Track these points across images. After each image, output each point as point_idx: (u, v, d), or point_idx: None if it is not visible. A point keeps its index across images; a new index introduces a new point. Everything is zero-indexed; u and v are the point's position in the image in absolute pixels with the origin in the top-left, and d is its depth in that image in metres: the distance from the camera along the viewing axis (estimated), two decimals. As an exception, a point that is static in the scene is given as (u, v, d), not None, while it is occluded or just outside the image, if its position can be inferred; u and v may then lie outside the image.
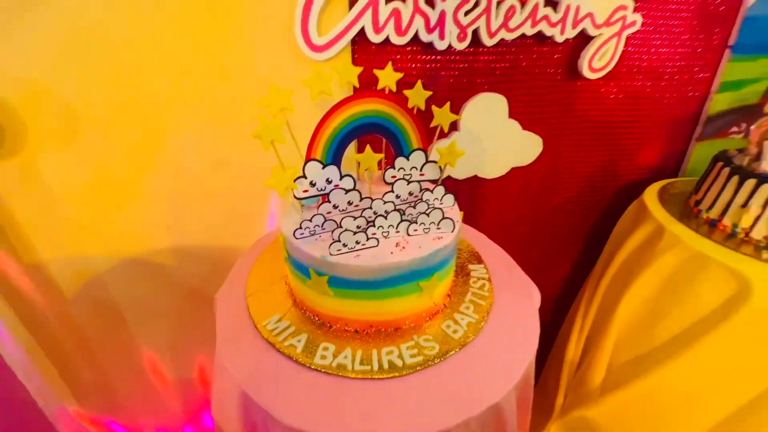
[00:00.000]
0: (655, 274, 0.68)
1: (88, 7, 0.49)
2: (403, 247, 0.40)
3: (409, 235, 0.42)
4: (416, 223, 0.42)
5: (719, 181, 0.66)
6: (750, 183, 0.60)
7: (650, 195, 0.77)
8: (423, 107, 0.48)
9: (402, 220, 0.41)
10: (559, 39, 0.65)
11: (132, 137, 0.58)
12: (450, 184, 0.73)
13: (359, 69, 0.47)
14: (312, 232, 0.41)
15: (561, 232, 0.91)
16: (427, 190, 0.44)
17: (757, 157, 0.62)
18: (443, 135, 0.52)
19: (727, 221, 0.64)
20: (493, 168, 0.76)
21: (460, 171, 0.75)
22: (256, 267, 0.53)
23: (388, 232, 0.42)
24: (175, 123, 0.59)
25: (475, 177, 0.76)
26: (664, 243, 0.68)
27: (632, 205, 0.80)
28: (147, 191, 0.63)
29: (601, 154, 0.82)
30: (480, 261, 0.55)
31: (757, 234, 0.60)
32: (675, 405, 0.70)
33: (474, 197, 0.78)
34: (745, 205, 0.61)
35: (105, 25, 0.51)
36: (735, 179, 0.62)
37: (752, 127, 0.61)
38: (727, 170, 0.64)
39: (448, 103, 0.47)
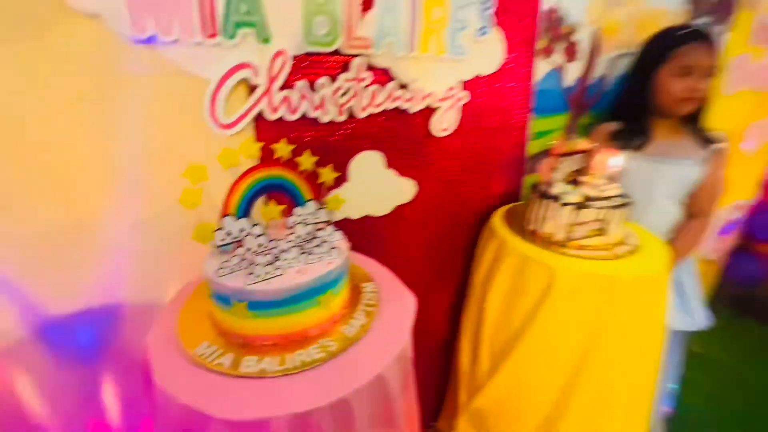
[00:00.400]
0: (503, 276, 0.92)
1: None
2: (304, 272, 0.55)
3: (307, 264, 0.57)
4: (312, 254, 0.57)
5: (533, 203, 0.93)
6: (546, 202, 0.88)
7: (496, 218, 1.03)
8: (312, 168, 0.65)
9: (302, 253, 0.56)
10: (413, 110, 0.89)
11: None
12: (347, 223, 0.91)
13: (260, 144, 0.62)
14: (231, 270, 0.53)
15: (443, 252, 1.13)
16: (321, 229, 0.59)
17: (551, 184, 0.91)
18: (334, 186, 0.69)
19: (540, 230, 0.91)
20: (380, 207, 0.96)
21: (354, 212, 0.93)
22: (183, 309, 0.62)
23: (291, 264, 0.56)
24: (107, 203, 0.65)
25: (367, 216, 0.95)
26: (506, 252, 0.93)
27: (485, 227, 1.06)
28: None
29: (461, 190, 1.08)
30: (370, 280, 0.71)
31: (556, 237, 0.88)
32: (530, 377, 0.92)
33: (368, 231, 0.96)
34: (545, 217, 0.88)
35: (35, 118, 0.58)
36: (539, 200, 0.90)
37: (539, 165, 0.91)
38: (536, 195, 0.92)
39: (330, 165, 0.65)
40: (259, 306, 0.52)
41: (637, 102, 1.08)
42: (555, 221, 0.87)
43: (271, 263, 0.53)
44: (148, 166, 0.66)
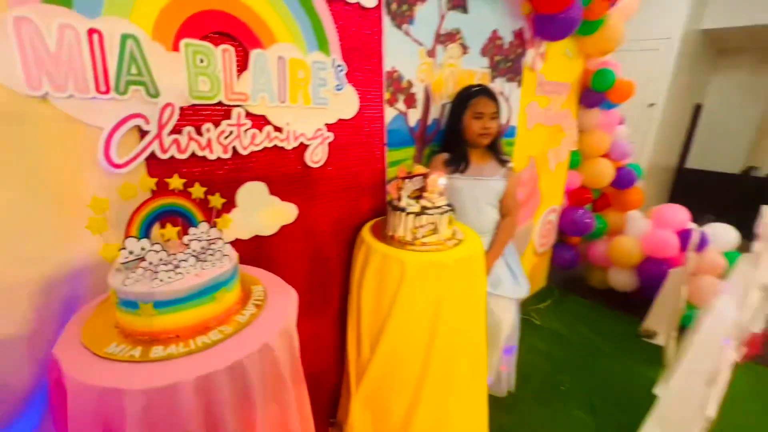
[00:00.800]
0: (371, 273, 1.18)
1: None
2: (200, 275, 0.70)
3: (203, 269, 0.73)
4: (207, 261, 0.73)
5: (389, 215, 1.22)
6: (397, 213, 1.17)
7: (364, 230, 1.30)
8: (202, 197, 0.81)
9: (198, 261, 0.72)
10: (288, 147, 1.11)
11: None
12: (239, 243, 1.06)
13: (154, 179, 0.77)
14: (136, 280, 0.66)
15: (325, 262, 1.35)
16: (213, 243, 0.76)
17: (399, 199, 1.21)
18: (224, 212, 0.86)
19: (395, 234, 1.20)
20: (267, 228, 1.14)
21: (244, 233, 1.09)
22: (85, 325, 0.71)
23: (189, 270, 0.71)
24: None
25: (257, 235, 1.11)
26: (372, 254, 1.19)
27: (357, 238, 1.31)
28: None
29: (336, 210, 1.32)
30: (259, 284, 0.89)
31: (406, 238, 1.17)
32: (398, 352, 1.18)
33: (259, 249, 1.13)
34: (397, 225, 1.17)
35: None
36: (392, 212, 1.19)
37: (388, 186, 1.21)
38: (390, 208, 1.21)
39: (217, 194, 0.82)
40: (164, 304, 0.66)
41: (456, 137, 1.49)
42: (403, 227, 1.17)
43: (172, 270, 0.67)
44: (47, 204, 0.74)
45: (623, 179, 2.75)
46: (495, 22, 1.74)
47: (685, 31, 4.33)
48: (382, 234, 1.25)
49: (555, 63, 2.19)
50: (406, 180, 1.22)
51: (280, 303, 0.82)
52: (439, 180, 1.24)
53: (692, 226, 2.51)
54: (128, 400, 0.57)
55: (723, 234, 2.48)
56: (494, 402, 1.61)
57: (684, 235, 2.43)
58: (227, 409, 0.64)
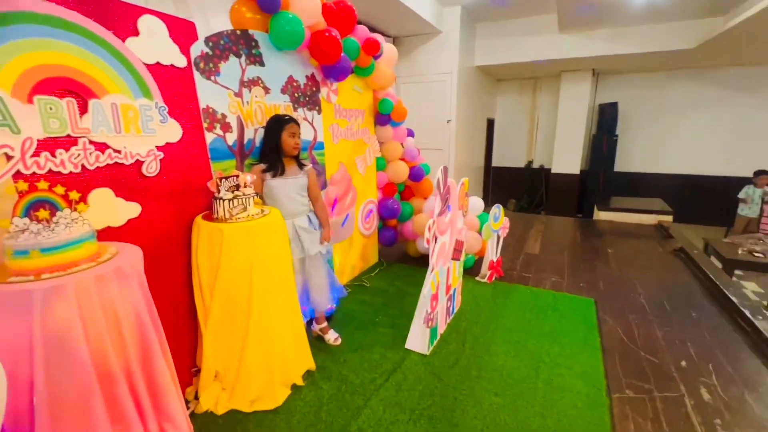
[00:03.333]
0: (203, 246, 1.74)
1: None
2: (70, 234, 1.19)
3: (71, 231, 1.21)
4: (73, 228, 1.22)
5: (214, 203, 1.81)
6: (218, 201, 1.77)
7: (198, 217, 1.85)
8: (64, 194, 1.29)
9: (66, 228, 1.20)
10: (127, 163, 1.61)
11: None
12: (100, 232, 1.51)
13: (24, 185, 1.22)
14: (25, 239, 1.12)
15: (171, 248, 1.84)
16: (75, 221, 1.25)
17: (218, 191, 1.81)
18: (80, 208, 1.34)
19: (217, 215, 1.79)
20: (116, 221, 1.60)
21: (98, 224, 1.54)
22: (-16, 277, 1.12)
23: (60, 233, 1.19)
24: None
25: (108, 226, 1.57)
26: (202, 231, 1.75)
27: (194, 222, 1.86)
28: None
29: (176, 208, 1.84)
30: (114, 248, 1.38)
31: (224, 216, 1.77)
32: (228, 305, 1.77)
33: (113, 235, 1.58)
34: (218, 208, 1.77)
35: None
36: (215, 201, 1.78)
37: (208, 184, 1.81)
38: (214, 199, 1.80)
39: (74, 190, 1.31)
40: (48, 250, 1.13)
41: (274, 151, 2.16)
42: (222, 209, 1.77)
43: (50, 232, 1.15)
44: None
45: (416, 175, 3.83)
46: (290, 70, 2.50)
47: (460, 67, 5.93)
48: (209, 217, 1.83)
49: (347, 95, 3.09)
50: (223, 179, 1.83)
51: (130, 252, 1.34)
52: (247, 177, 1.88)
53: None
54: (33, 295, 1.05)
55: (475, 203, 3.71)
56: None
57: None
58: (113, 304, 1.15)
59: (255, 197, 1.87)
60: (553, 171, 8.06)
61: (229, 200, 1.78)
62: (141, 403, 1.30)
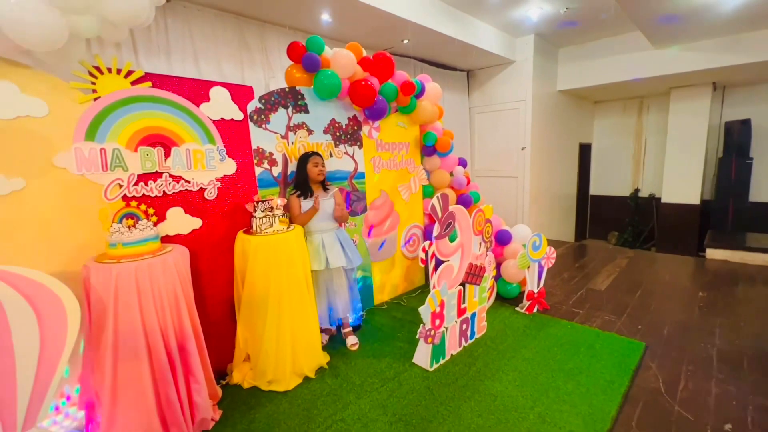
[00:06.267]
0: (239, 248, 2.30)
1: None
2: (141, 234, 1.83)
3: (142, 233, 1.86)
4: (146, 231, 1.87)
5: (252, 221, 2.37)
6: (254, 219, 2.33)
7: (240, 231, 2.44)
8: (145, 209, 1.97)
9: (141, 231, 1.85)
10: (194, 190, 2.29)
11: None
12: (168, 237, 2.20)
13: (125, 203, 1.93)
14: (118, 237, 1.79)
15: (222, 249, 2.46)
16: (156, 226, 1.90)
17: (255, 211, 2.37)
18: (159, 221, 2.02)
19: (252, 230, 2.34)
20: (184, 230, 2.27)
21: (172, 231, 2.22)
22: (95, 259, 1.82)
23: (137, 234, 1.84)
24: None
25: (178, 233, 2.25)
26: (239, 240, 2.32)
27: (237, 234, 2.45)
28: None
29: (228, 222, 2.47)
30: (171, 248, 2.01)
31: (257, 231, 2.31)
32: (256, 300, 2.27)
33: (182, 241, 2.26)
34: (253, 224, 2.32)
35: None
36: (253, 219, 2.35)
37: (246, 205, 2.38)
38: (252, 218, 2.37)
39: (152, 209, 1.99)
40: (127, 244, 1.78)
41: (303, 180, 2.68)
42: (255, 225, 2.32)
43: (129, 233, 1.81)
44: (80, 216, 1.90)
45: (464, 202, 3.96)
46: (333, 114, 3.05)
47: (536, 93, 5.85)
48: (248, 231, 2.40)
49: (390, 131, 3.51)
50: (259, 202, 2.39)
51: (177, 251, 1.95)
52: (278, 200, 2.41)
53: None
54: (112, 270, 1.68)
55: (521, 231, 3.64)
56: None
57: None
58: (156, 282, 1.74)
59: (282, 217, 2.38)
60: (663, 200, 7.00)
61: (260, 218, 2.32)
62: (173, 358, 1.84)
